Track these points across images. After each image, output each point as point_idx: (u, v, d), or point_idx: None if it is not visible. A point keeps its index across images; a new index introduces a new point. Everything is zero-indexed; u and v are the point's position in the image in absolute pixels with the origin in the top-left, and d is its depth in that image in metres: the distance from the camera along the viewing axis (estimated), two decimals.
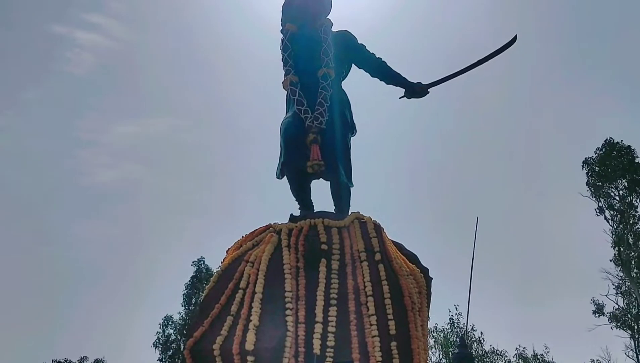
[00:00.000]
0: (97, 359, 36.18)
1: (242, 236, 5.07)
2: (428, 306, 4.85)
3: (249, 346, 4.10)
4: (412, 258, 5.05)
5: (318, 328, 4.23)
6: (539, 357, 26.95)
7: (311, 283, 4.43)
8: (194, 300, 39.68)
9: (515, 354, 28.03)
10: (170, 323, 39.55)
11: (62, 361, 35.62)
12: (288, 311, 4.28)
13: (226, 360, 4.14)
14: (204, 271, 40.53)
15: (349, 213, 5.05)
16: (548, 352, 28.24)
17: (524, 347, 28.23)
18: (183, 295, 39.86)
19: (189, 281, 40.48)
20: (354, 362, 4.14)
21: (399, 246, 5.09)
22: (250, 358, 4.09)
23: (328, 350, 4.16)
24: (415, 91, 5.69)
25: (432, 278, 5.03)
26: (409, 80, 5.70)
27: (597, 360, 29.47)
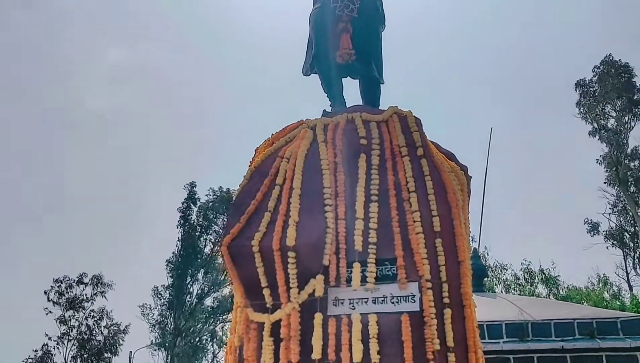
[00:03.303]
0: (94, 275, 36.68)
1: (272, 134, 4.80)
2: (468, 205, 4.66)
3: (290, 242, 3.91)
4: (450, 155, 4.81)
5: (359, 224, 4.04)
6: (545, 271, 27.35)
7: (350, 179, 4.20)
8: (187, 222, 40.03)
9: (521, 268, 28.45)
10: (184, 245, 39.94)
11: (62, 279, 36.29)
12: (327, 208, 4.07)
13: (265, 256, 3.96)
14: (196, 194, 40.70)
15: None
16: (555, 267, 28.63)
17: (529, 261, 28.61)
18: (180, 217, 40.12)
19: (183, 203, 40.72)
20: (398, 259, 3.97)
21: (435, 145, 4.85)
22: (291, 254, 3.91)
23: (370, 246, 3.98)
24: None
25: (471, 177, 4.82)
26: None
27: (604, 275, 29.84)
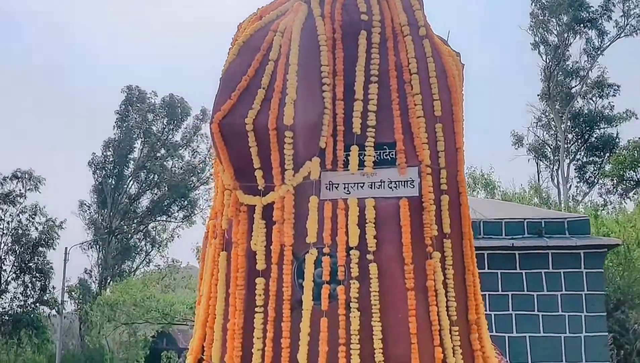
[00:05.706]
0: (25, 171, 35.32)
1: (259, 8, 4.42)
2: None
3: (288, 121, 3.67)
4: (444, 40, 4.60)
5: (358, 106, 3.82)
6: (485, 176, 28.40)
7: (349, 57, 3.93)
8: (125, 123, 38.93)
9: (467, 173, 29.42)
10: (110, 146, 39.08)
11: None
12: (325, 87, 3.82)
13: (260, 135, 3.71)
14: (134, 97, 39.45)
15: None
16: (493, 171, 29.86)
17: (474, 168, 29.74)
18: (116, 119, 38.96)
19: (121, 105, 39.41)
20: (397, 143, 3.82)
21: None
22: (288, 133, 3.67)
23: (369, 129, 3.79)
24: None
25: (464, 64, 4.64)
26: None
27: (535, 181, 31.37)
